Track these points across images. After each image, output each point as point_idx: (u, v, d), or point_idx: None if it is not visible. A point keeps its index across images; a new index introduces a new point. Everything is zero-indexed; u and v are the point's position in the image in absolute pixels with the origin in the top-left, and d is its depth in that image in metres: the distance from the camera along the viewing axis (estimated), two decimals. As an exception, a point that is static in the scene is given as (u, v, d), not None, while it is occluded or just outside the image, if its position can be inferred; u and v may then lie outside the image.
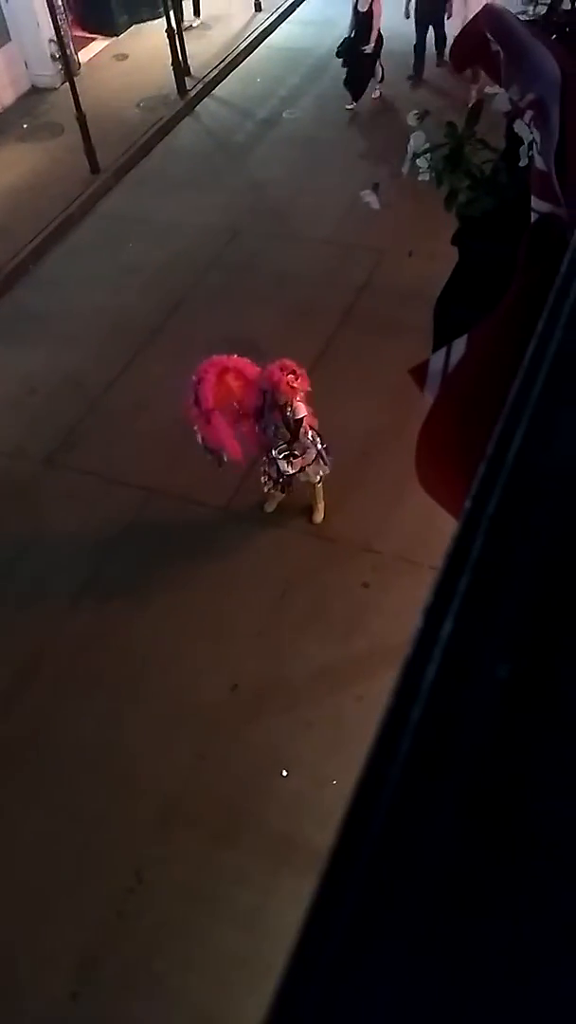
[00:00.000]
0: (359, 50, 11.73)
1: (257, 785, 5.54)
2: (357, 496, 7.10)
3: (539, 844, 0.71)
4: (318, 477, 6.77)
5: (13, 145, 12.49)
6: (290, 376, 6.18)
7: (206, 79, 13.44)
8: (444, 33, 12.00)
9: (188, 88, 13.19)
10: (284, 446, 6.48)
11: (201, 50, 13.88)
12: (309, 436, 6.52)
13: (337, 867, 0.67)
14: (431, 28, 12.10)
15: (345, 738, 5.42)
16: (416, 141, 3.70)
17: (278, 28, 14.79)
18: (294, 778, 5.54)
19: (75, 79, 11.50)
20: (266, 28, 14.62)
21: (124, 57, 14.27)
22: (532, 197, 2.57)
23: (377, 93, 12.23)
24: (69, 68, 11.58)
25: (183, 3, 13.47)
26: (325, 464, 6.72)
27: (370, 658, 5.91)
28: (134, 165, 11.98)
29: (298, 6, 15.19)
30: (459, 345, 2.59)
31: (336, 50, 12.02)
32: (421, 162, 3.69)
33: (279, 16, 14.91)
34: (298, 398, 6.28)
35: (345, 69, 12.00)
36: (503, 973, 0.66)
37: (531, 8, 3.96)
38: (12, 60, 13.41)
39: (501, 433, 0.99)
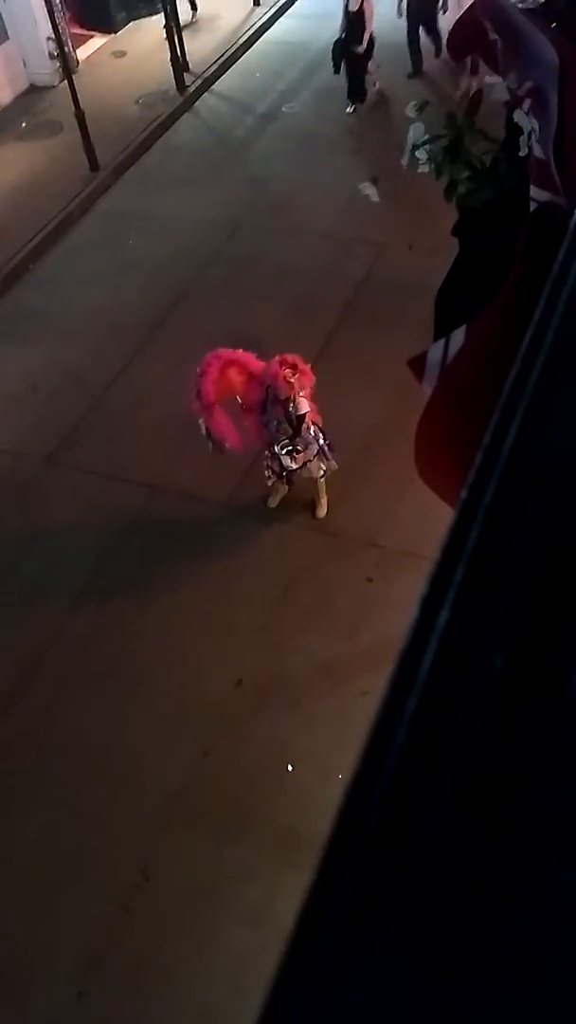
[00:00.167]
0: (352, 51, 11.61)
1: (262, 780, 5.54)
2: (360, 490, 7.09)
3: (537, 834, 0.70)
4: (320, 472, 6.76)
5: (12, 144, 12.47)
6: (287, 371, 6.15)
7: (205, 75, 13.41)
8: (437, 30, 11.91)
9: (187, 84, 13.16)
10: (286, 441, 6.47)
11: (200, 46, 13.85)
12: (311, 431, 6.51)
13: (333, 859, 0.67)
14: (423, 26, 12.00)
15: (349, 732, 5.41)
16: (415, 132, 3.69)
17: (276, 23, 14.74)
18: (299, 773, 5.55)
19: (73, 77, 11.49)
20: (264, 23, 14.57)
21: (122, 54, 14.24)
22: (531, 186, 2.55)
23: (376, 86, 12.17)
24: (67, 66, 11.57)
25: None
26: (328, 459, 6.71)
27: (374, 653, 5.90)
28: (133, 162, 11.96)
29: (295, 0, 15.14)
30: (457, 336, 2.58)
31: (331, 53, 11.88)
32: (421, 153, 3.67)
33: (277, 10, 14.87)
34: (301, 393, 6.26)
35: (338, 73, 11.88)
36: (503, 966, 0.65)
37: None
38: (10, 58, 13.39)
39: (498, 422, 0.98)
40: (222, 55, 13.79)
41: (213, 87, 13.42)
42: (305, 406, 6.32)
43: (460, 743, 0.72)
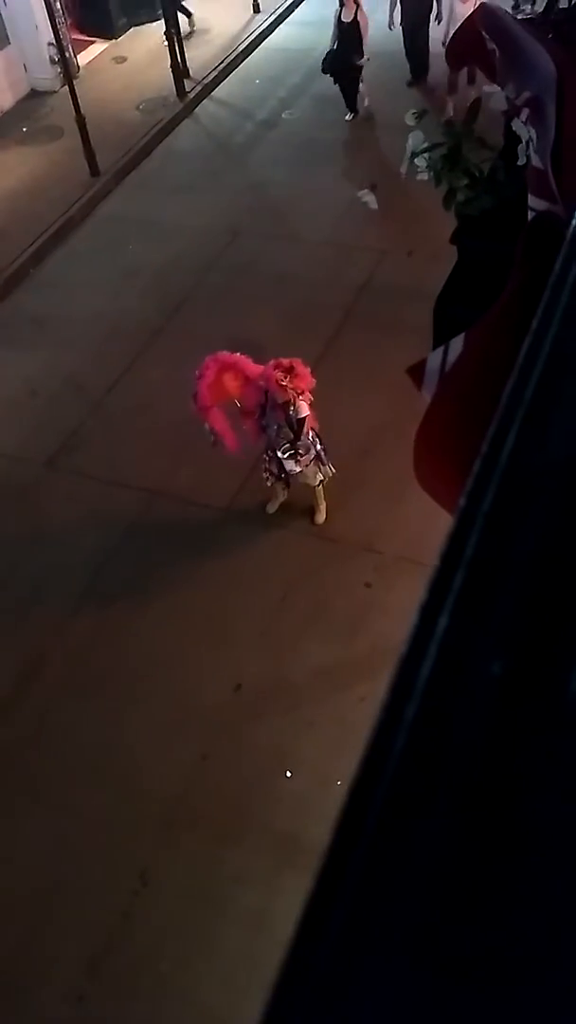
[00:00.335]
0: (350, 63, 11.45)
1: (261, 786, 5.54)
2: (359, 496, 7.10)
3: (536, 840, 0.71)
4: (318, 480, 6.77)
5: (13, 148, 12.50)
6: (280, 374, 6.15)
7: (205, 81, 13.45)
8: (427, 45, 11.88)
9: (187, 90, 13.20)
10: (287, 445, 6.48)
11: (200, 52, 13.90)
12: (309, 436, 6.51)
13: (331, 865, 0.67)
14: (410, 41, 11.95)
15: (348, 738, 5.41)
16: (414, 140, 3.71)
17: (276, 29, 14.79)
18: (298, 778, 5.54)
19: (74, 82, 11.52)
20: (264, 30, 14.62)
21: (123, 60, 14.29)
22: (529, 195, 2.57)
23: (365, 102, 12.14)
24: (68, 71, 11.61)
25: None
26: (324, 465, 6.71)
27: (372, 658, 5.91)
28: (134, 167, 11.99)
29: (296, 7, 15.19)
30: (456, 344, 2.59)
31: (321, 65, 11.75)
32: (420, 161, 3.69)
33: (277, 17, 14.92)
34: (301, 397, 6.27)
35: (335, 83, 11.81)
36: (502, 969, 0.65)
37: (528, 6, 3.97)
38: (11, 64, 13.43)
39: (496, 430, 0.99)
40: (222, 61, 13.83)
41: (213, 93, 13.46)
42: (305, 409, 6.32)
43: (459, 749, 0.73)
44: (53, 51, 12.42)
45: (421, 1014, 0.64)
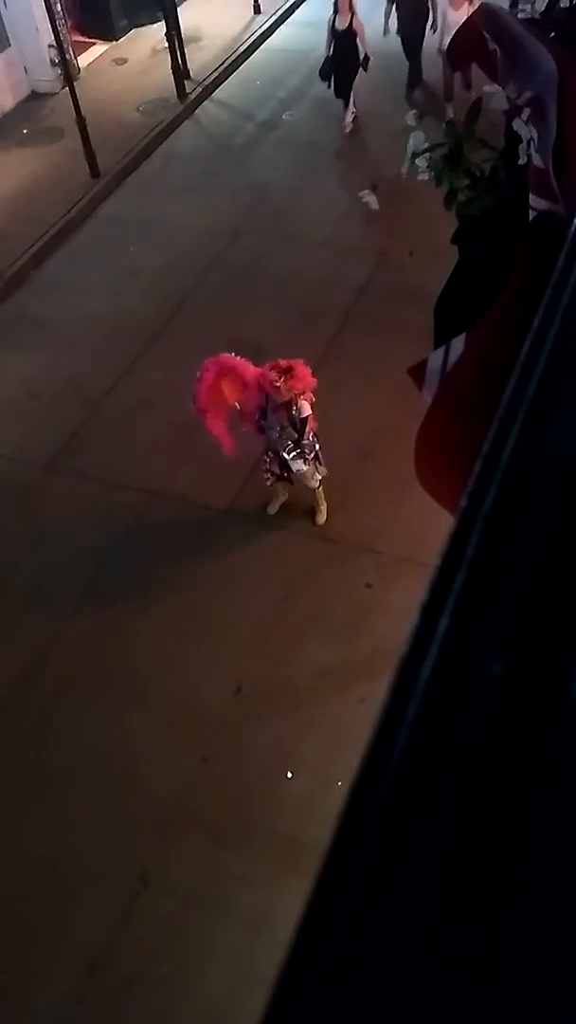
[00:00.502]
0: (348, 71, 11.30)
1: (262, 787, 5.54)
2: (360, 497, 7.10)
3: (536, 841, 0.70)
4: (316, 481, 6.78)
5: (13, 150, 12.51)
6: (274, 375, 6.15)
7: (206, 82, 13.46)
8: (419, 57, 11.83)
9: (188, 91, 13.21)
10: (292, 445, 6.48)
11: (200, 53, 13.90)
12: (310, 436, 6.52)
13: (332, 865, 0.67)
14: (407, 49, 11.86)
15: (349, 739, 5.41)
16: (415, 140, 3.71)
17: (277, 30, 14.80)
18: (298, 779, 5.54)
19: (75, 84, 11.53)
20: (265, 31, 14.63)
21: (124, 61, 14.29)
22: (530, 194, 2.57)
23: (349, 118, 11.98)
24: (69, 73, 11.62)
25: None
26: (320, 464, 6.73)
27: (373, 659, 5.90)
28: (134, 169, 12.00)
29: (296, 8, 15.20)
30: (457, 344, 2.59)
31: (319, 72, 11.62)
32: (420, 161, 3.70)
33: (278, 18, 14.92)
34: (302, 397, 6.28)
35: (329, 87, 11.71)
36: (503, 970, 0.65)
37: (528, 6, 3.97)
38: (12, 65, 13.44)
39: (497, 430, 0.99)
40: (223, 63, 13.84)
41: (214, 95, 13.47)
42: (308, 409, 6.34)
43: (460, 749, 0.72)
44: (54, 53, 12.43)
45: (421, 1013, 0.63)
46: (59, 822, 5.54)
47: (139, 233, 10.69)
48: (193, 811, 5.49)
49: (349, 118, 11.87)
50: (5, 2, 13.10)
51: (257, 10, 15.01)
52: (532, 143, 2.58)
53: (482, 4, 3.58)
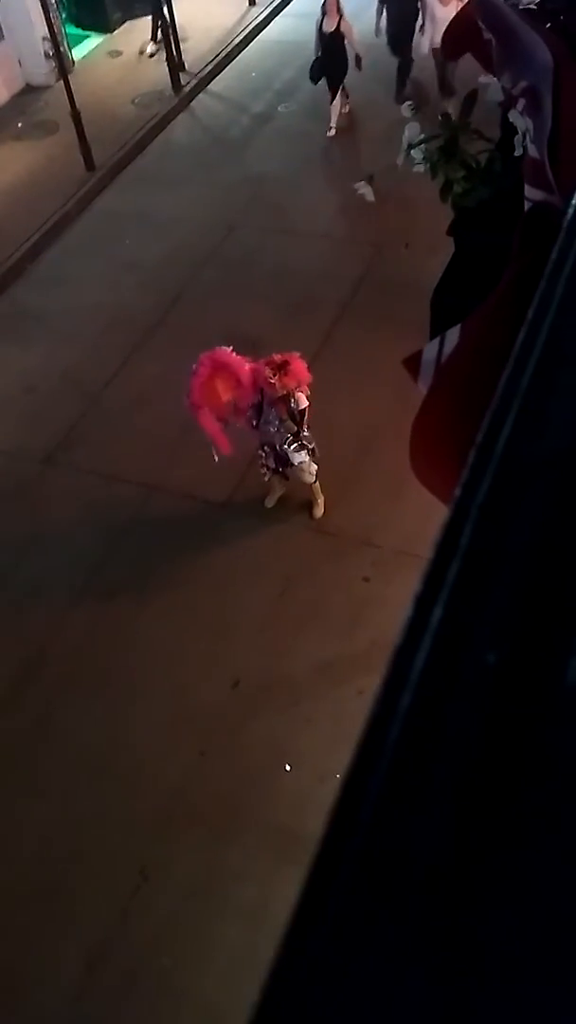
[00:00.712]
0: (338, 72, 11.16)
1: (260, 781, 5.54)
2: (357, 490, 7.09)
3: (533, 832, 0.70)
4: (311, 476, 6.78)
5: (8, 143, 12.47)
6: (268, 371, 6.14)
7: (201, 75, 13.41)
8: (410, 56, 11.78)
9: (183, 84, 13.16)
10: (291, 438, 6.48)
11: (195, 45, 13.85)
12: (307, 429, 6.52)
13: (326, 856, 0.67)
14: (395, 50, 11.73)
15: (347, 733, 5.37)
16: (411, 132, 3.70)
17: (272, 22, 14.74)
18: (297, 773, 5.55)
19: (69, 77, 11.47)
20: (260, 22, 14.58)
21: (118, 54, 14.23)
22: (525, 185, 2.56)
23: (347, 109, 11.93)
24: (63, 66, 11.56)
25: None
26: (315, 456, 6.72)
27: (371, 652, 5.91)
28: (130, 162, 11.96)
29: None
30: (452, 335, 2.58)
31: (309, 75, 11.41)
32: (416, 153, 3.69)
33: (272, 10, 14.87)
34: (299, 389, 6.27)
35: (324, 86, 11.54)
36: (500, 965, 0.65)
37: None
38: (6, 58, 13.38)
39: (491, 421, 0.98)
40: (218, 55, 13.79)
41: (209, 87, 13.42)
42: (305, 400, 6.34)
43: (454, 740, 0.72)
44: (48, 46, 12.37)
45: (416, 1008, 0.63)
46: (58, 817, 5.54)
47: (135, 226, 10.66)
48: (192, 806, 5.50)
49: (334, 120, 11.69)
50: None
51: (252, 1, 14.95)
52: (527, 134, 2.57)
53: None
